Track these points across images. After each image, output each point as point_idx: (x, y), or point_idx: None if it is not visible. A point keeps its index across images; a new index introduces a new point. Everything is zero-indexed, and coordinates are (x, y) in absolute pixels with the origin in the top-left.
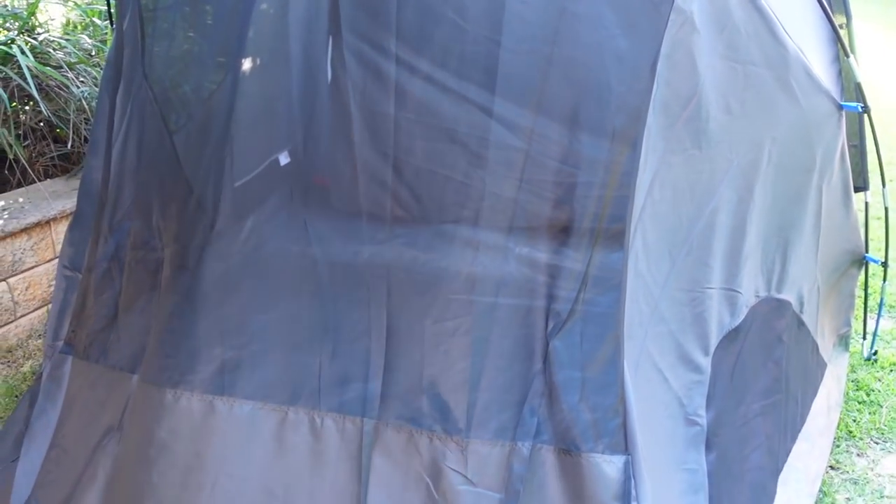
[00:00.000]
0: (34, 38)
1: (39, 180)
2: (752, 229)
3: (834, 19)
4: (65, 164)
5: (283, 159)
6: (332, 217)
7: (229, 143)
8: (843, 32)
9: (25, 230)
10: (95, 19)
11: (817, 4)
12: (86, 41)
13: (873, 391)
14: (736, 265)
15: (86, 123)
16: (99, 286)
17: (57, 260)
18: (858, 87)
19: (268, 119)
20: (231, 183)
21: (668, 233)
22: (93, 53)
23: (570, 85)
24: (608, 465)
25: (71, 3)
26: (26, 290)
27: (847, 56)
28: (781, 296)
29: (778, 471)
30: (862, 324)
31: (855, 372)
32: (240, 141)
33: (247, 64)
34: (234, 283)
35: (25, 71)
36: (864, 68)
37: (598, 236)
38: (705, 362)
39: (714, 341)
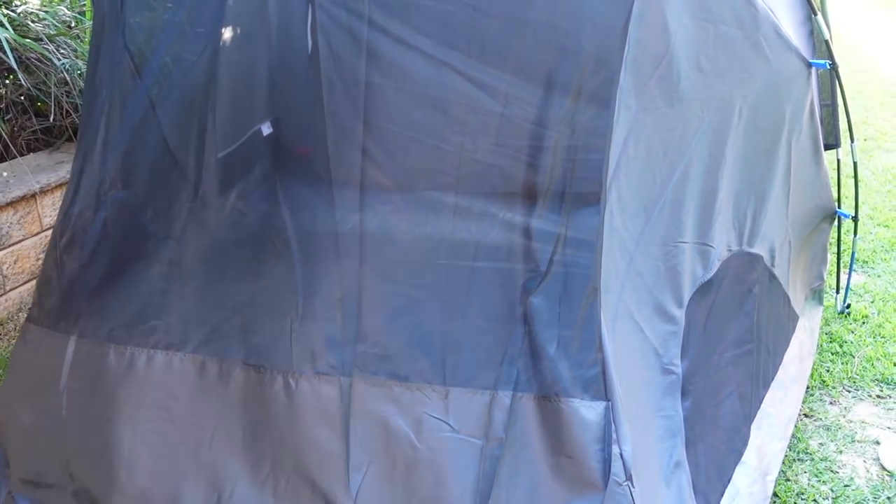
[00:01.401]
0: (12, 11)
1: (22, 155)
2: (724, 185)
3: None
4: (47, 138)
5: (266, 129)
6: (315, 186)
7: (211, 115)
8: None
9: (11, 204)
10: None
11: None
12: (65, 12)
13: (846, 342)
14: (708, 220)
15: (67, 96)
16: (87, 257)
17: (44, 234)
18: (826, 44)
19: (249, 90)
20: (214, 154)
21: (642, 189)
22: (72, 25)
23: (545, 47)
24: (588, 411)
25: None
26: (14, 263)
27: (815, 14)
28: (753, 250)
29: (751, 416)
30: (835, 278)
31: (829, 325)
32: (222, 112)
33: (227, 34)
34: (217, 253)
35: (4, 44)
36: (840, 29)
37: (569, 197)
38: (679, 314)
39: (687, 294)
